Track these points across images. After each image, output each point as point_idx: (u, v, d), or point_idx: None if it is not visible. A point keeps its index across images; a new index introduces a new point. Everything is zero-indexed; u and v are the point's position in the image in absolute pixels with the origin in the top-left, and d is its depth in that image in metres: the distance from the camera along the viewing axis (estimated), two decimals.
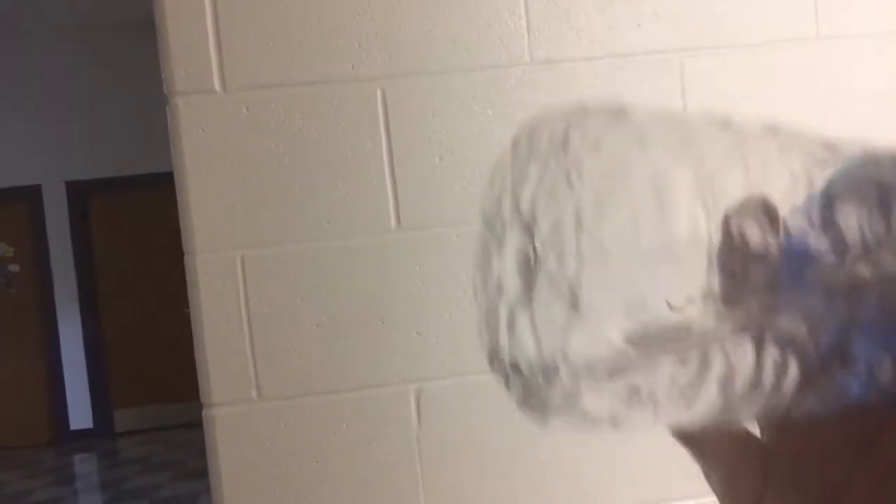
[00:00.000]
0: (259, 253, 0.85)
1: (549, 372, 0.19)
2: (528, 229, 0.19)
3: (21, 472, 5.23)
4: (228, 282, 0.86)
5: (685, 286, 0.18)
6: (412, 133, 0.84)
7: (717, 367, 0.19)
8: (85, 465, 5.58)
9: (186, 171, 0.85)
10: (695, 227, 0.18)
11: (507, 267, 0.20)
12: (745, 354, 0.19)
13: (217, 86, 0.84)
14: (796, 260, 0.19)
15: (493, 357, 0.21)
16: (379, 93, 0.84)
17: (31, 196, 5.93)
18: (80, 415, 5.98)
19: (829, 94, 0.91)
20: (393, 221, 0.85)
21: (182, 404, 6.02)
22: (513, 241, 0.20)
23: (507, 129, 0.29)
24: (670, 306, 0.18)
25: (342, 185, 0.85)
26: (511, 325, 0.20)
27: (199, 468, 4.82)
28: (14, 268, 6.03)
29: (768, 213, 0.19)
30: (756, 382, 0.19)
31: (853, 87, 0.92)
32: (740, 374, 0.19)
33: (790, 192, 0.20)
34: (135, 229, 6.11)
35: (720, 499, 0.25)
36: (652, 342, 0.18)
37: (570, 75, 0.87)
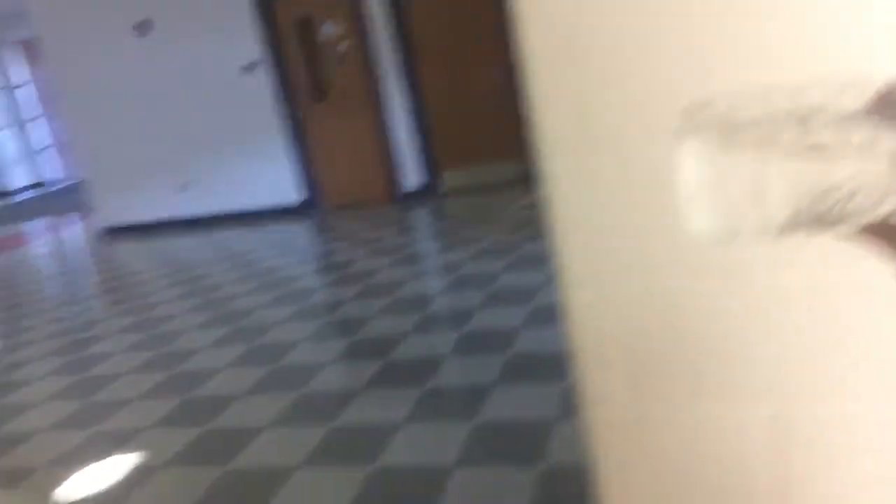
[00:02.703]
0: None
1: None
2: None
3: (370, 223, 6.20)
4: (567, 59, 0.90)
5: None
6: None
7: None
8: (419, 218, 6.42)
9: None
10: None
11: None
12: None
13: None
14: None
15: None
16: None
17: None
18: (412, 176, 6.77)
19: None
20: None
21: (501, 163, 6.51)
22: None
23: None
24: None
25: None
26: None
27: (512, 223, 5.30)
28: (343, 45, 6.68)
29: None
30: None
31: None
32: None
33: None
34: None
35: None
36: None
37: None
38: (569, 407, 2.57)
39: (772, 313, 0.88)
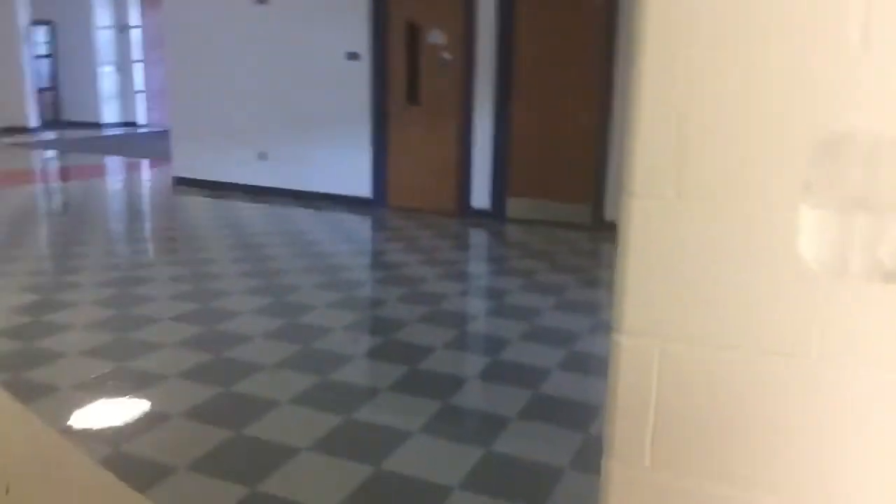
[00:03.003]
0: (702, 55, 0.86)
1: None
2: None
3: (430, 232, 6.22)
4: (669, 80, 0.89)
5: None
6: None
7: None
8: (478, 237, 6.42)
9: None
10: None
11: None
12: None
13: None
14: None
15: None
16: None
17: None
18: (480, 196, 6.78)
19: None
20: None
21: (568, 204, 6.47)
22: None
23: None
24: None
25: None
26: None
27: (568, 264, 5.24)
28: (446, 56, 6.76)
29: None
30: None
31: None
32: None
33: None
34: (558, 28, 6.33)
35: None
36: None
37: None
38: (584, 459, 2.52)
39: (817, 418, 0.85)
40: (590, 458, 2.51)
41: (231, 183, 7.82)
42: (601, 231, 6.17)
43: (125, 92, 14.81)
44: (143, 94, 14.83)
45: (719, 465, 0.93)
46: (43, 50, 14.55)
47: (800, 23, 0.80)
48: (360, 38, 6.95)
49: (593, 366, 3.34)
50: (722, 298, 0.89)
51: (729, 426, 0.92)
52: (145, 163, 10.23)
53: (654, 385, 0.95)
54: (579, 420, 2.81)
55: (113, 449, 2.52)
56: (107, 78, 14.58)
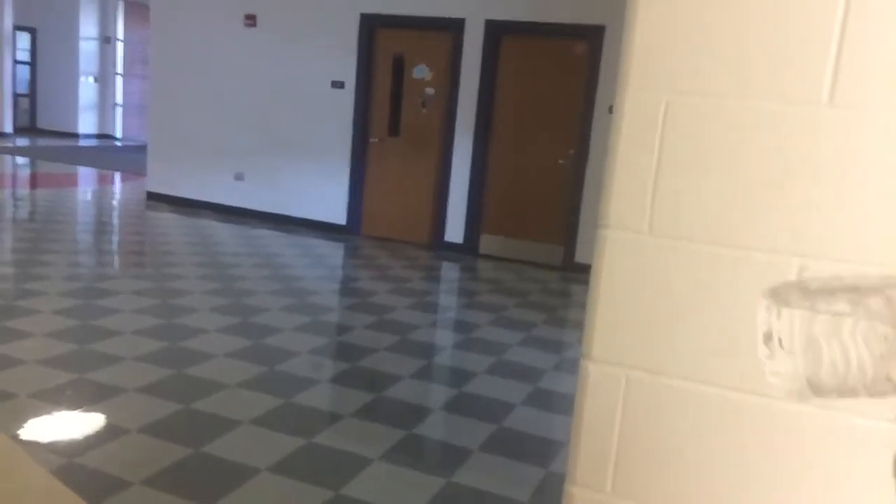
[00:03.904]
0: (685, 100, 0.91)
1: None
2: None
3: (402, 262, 6.23)
4: (649, 122, 0.93)
5: None
6: None
7: None
8: (450, 271, 6.44)
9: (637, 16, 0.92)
10: None
11: None
12: None
13: None
14: None
15: None
16: None
17: (455, 27, 6.57)
18: (454, 230, 6.82)
19: None
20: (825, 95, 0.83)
21: (541, 244, 6.54)
22: None
23: None
24: None
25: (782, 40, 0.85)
26: None
27: (537, 302, 5.28)
28: (430, 90, 6.85)
29: None
30: None
31: None
32: None
33: None
34: (540, 72, 6.46)
35: None
36: None
37: None
38: (544, 494, 2.52)
39: (775, 471, 0.88)
40: (550, 494, 2.51)
41: (205, 201, 7.78)
42: (572, 272, 6.24)
43: (104, 104, 14.72)
44: (122, 108, 14.75)
45: (680, 494, 0.95)
46: (23, 56, 14.43)
47: (778, 80, 0.85)
48: (347, 67, 7.02)
49: (557, 402, 3.35)
50: (685, 333, 0.92)
51: (691, 457, 0.94)
52: (119, 175, 10.14)
53: (619, 412, 0.97)
54: (541, 455, 2.82)
55: (67, 460, 2.46)
56: (86, 88, 14.48)
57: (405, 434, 2.92)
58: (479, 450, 2.84)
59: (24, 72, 14.45)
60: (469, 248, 6.75)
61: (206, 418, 2.89)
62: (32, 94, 14.69)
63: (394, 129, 7.03)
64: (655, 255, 0.95)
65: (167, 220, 7.24)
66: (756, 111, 0.86)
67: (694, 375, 0.93)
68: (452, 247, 6.79)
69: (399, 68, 6.95)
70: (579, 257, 6.33)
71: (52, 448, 2.56)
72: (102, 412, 2.86)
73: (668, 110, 0.92)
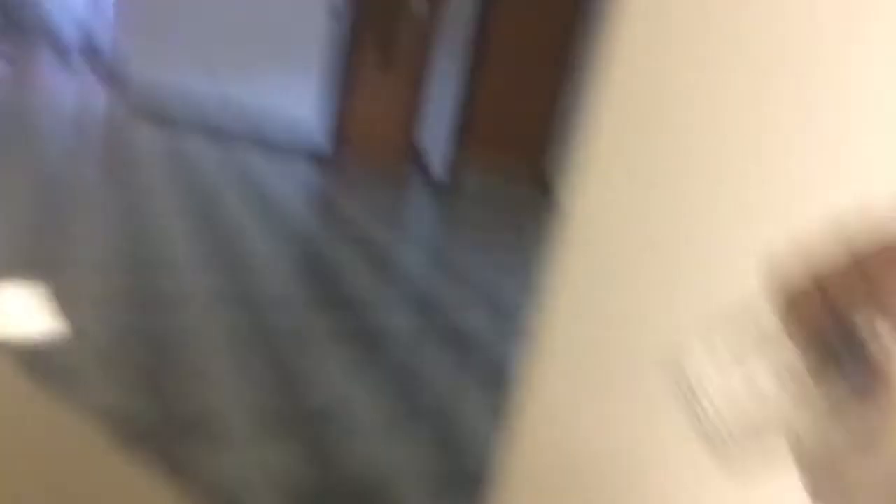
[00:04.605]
0: None
1: None
2: None
3: (380, 181, 6.15)
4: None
5: None
6: None
7: None
8: (427, 186, 6.37)
9: None
10: None
11: None
12: None
13: None
14: None
15: None
16: None
17: None
18: (435, 148, 6.72)
19: None
20: None
21: (527, 160, 6.45)
22: None
23: None
24: None
25: None
26: None
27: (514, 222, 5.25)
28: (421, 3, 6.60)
29: None
30: None
31: None
32: None
33: None
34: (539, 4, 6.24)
35: None
36: None
37: None
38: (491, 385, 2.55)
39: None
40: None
41: (183, 104, 7.62)
42: (550, 193, 6.20)
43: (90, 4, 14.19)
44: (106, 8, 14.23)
45: None
46: None
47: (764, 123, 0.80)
48: None
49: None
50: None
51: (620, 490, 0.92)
52: (98, 78, 9.86)
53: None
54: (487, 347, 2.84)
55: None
56: None
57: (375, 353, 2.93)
58: (433, 353, 2.86)
59: None
60: (457, 166, 6.66)
61: (165, 334, 2.88)
62: None
63: (383, 40, 6.82)
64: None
65: (144, 130, 7.08)
66: None
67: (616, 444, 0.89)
68: (437, 166, 6.68)
69: None
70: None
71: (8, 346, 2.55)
72: (51, 314, 2.84)
73: None
